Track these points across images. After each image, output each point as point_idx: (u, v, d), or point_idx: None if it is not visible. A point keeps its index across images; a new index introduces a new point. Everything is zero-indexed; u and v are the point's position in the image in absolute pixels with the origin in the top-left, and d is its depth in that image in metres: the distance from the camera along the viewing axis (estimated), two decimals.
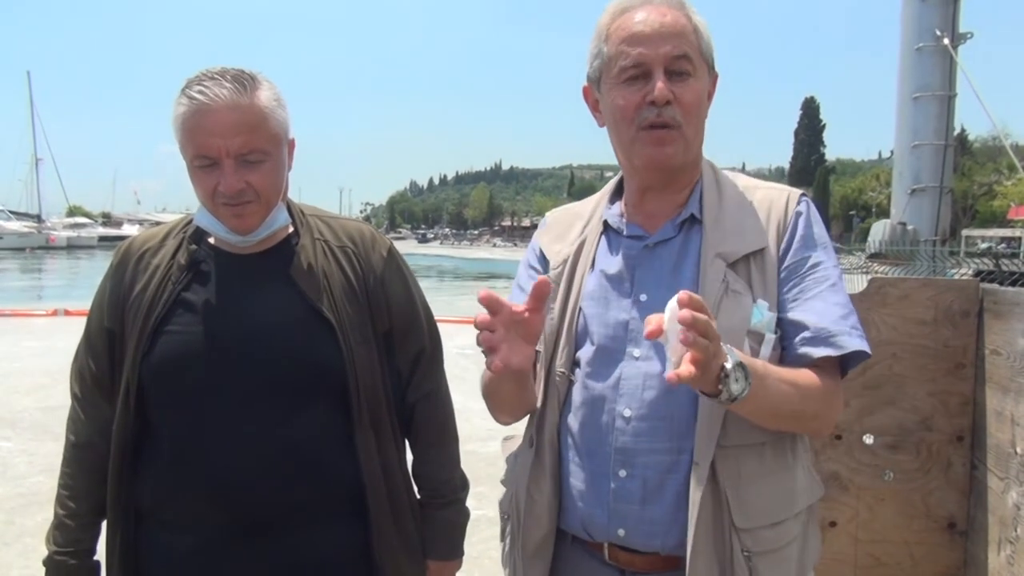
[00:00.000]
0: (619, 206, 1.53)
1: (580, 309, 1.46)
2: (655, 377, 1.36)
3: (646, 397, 1.35)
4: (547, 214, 1.69)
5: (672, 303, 1.13)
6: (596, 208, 1.57)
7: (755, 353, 1.32)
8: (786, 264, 1.39)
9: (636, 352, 1.38)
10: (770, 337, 1.34)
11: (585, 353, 1.44)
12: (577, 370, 1.45)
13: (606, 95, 1.43)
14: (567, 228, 1.58)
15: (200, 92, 1.44)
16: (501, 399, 1.51)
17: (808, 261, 1.38)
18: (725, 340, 1.28)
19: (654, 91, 1.34)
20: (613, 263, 1.47)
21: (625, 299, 1.43)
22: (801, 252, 1.39)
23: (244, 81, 1.47)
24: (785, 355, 1.37)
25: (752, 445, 1.33)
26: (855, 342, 1.32)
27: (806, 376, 1.32)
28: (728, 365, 1.17)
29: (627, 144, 1.42)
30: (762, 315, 1.34)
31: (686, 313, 1.09)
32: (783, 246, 1.39)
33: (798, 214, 1.42)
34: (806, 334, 1.34)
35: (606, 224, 1.52)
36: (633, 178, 1.49)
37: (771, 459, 1.36)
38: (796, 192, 1.46)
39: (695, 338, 1.08)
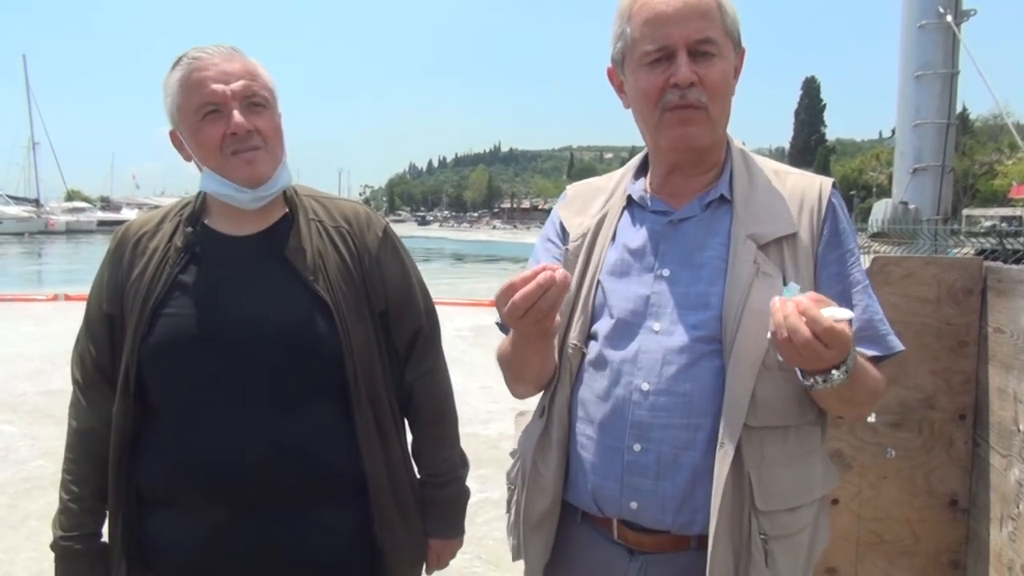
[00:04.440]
0: (644, 182, 1.52)
1: (599, 282, 1.45)
2: (675, 352, 1.35)
3: (665, 372, 1.34)
4: (568, 187, 1.68)
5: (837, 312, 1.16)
6: (619, 183, 1.56)
7: None
8: (826, 255, 1.39)
9: (656, 326, 1.37)
10: None
11: (603, 326, 1.43)
12: (593, 343, 1.44)
13: (630, 77, 1.41)
14: (588, 202, 1.57)
15: (195, 54, 1.51)
16: (528, 366, 1.47)
17: (851, 256, 1.40)
18: (756, 321, 1.29)
19: (678, 74, 1.33)
20: (636, 237, 1.46)
21: (647, 273, 1.42)
22: (842, 245, 1.40)
23: (231, 47, 1.55)
24: None
25: (777, 428, 1.33)
26: (898, 343, 1.38)
27: (874, 370, 1.35)
28: (835, 374, 1.21)
29: (653, 127, 1.41)
30: (792, 295, 1.33)
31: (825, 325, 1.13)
32: (819, 236, 1.39)
33: (832, 205, 1.42)
34: (857, 331, 1.34)
35: (630, 199, 1.51)
36: (660, 159, 1.48)
37: (794, 444, 1.36)
38: (828, 181, 1.45)
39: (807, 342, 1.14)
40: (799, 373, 1.26)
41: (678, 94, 1.34)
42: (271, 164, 1.54)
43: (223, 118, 1.48)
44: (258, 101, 1.52)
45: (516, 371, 1.50)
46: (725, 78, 1.37)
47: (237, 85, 1.49)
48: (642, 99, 1.39)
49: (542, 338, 1.37)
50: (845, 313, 1.16)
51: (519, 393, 1.56)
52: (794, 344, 1.14)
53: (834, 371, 1.20)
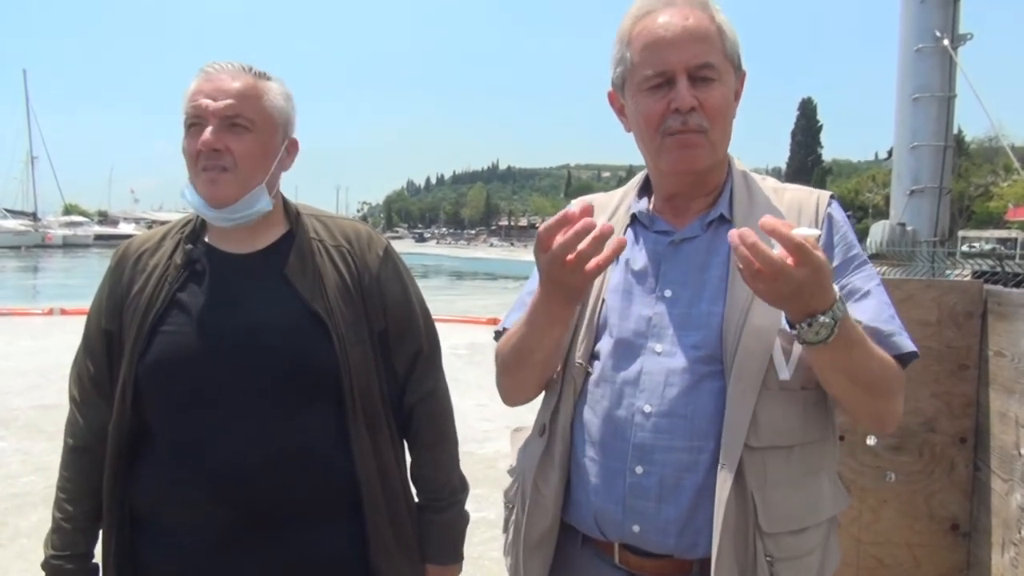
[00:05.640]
0: (647, 201, 1.51)
1: (603, 301, 1.44)
2: (677, 373, 1.34)
3: (667, 394, 1.33)
4: (572, 202, 1.67)
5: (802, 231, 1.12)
6: (622, 201, 1.55)
7: (787, 352, 1.30)
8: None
9: (658, 347, 1.36)
10: None
11: (605, 346, 1.42)
12: (596, 363, 1.42)
13: (631, 102, 1.41)
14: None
15: (207, 67, 1.53)
16: (540, 347, 1.40)
17: (855, 261, 1.38)
18: (757, 339, 1.27)
19: (678, 99, 1.32)
20: (639, 257, 1.45)
21: (649, 294, 1.41)
22: (843, 254, 1.38)
23: (254, 68, 1.54)
24: None
25: (780, 448, 1.31)
26: (908, 343, 1.32)
27: (885, 353, 1.29)
28: (822, 319, 1.15)
29: (654, 152, 1.40)
30: None
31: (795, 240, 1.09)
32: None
33: (830, 216, 1.41)
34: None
35: (633, 217, 1.50)
36: (661, 183, 1.48)
37: (799, 463, 1.34)
38: (826, 194, 1.45)
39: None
40: (786, 324, 1.22)
41: (679, 119, 1.33)
42: (236, 188, 1.51)
43: (202, 132, 1.49)
44: (240, 123, 1.49)
45: (523, 355, 1.42)
46: (725, 102, 1.37)
47: (220, 104, 1.48)
48: (643, 124, 1.39)
49: (573, 298, 1.30)
50: (812, 231, 1.12)
51: (515, 397, 1.53)
52: (762, 270, 1.10)
53: (820, 316, 1.15)
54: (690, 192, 1.45)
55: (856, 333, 1.23)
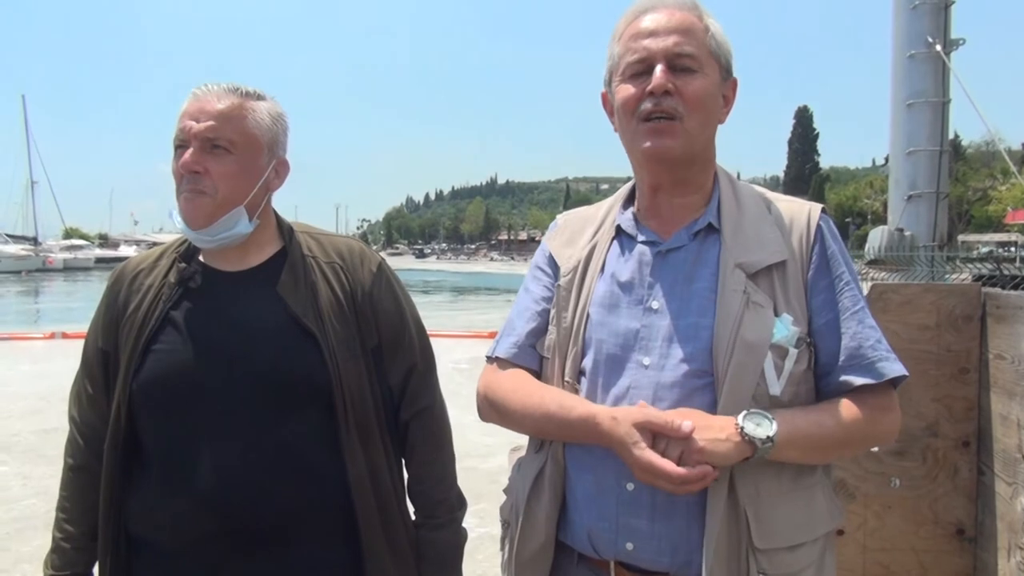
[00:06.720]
0: (632, 211, 1.51)
1: (588, 315, 1.43)
2: (666, 387, 1.32)
3: (656, 408, 1.31)
4: (558, 216, 1.68)
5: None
6: (608, 213, 1.55)
7: (779, 368, 1.30)
8: (816, 282, 1.37)
9: (646, 360, 1.35)
10: (793, 352, 1.31)
11: (592, 361, 1.40)
12: (584, 379, 1.41)
13: (614, 93, 1.43)
14: (578, 232, 1.56)
15: (197, 89, 1.54)
16: (545, 437, 1.46)
17: (840, 281, 1.37)
18: (748, 354, 1.27)
19: (652, 81, 1.35)
20: (625, 269, 1.44)
21: (636, 306, 1.40)
22: (832, 271, 1.38)
23: (243, 88, 1.55)
24: (824, 382, 1.36)
25: (770, 463, 1.29)
26: (894, 367, 1.33)
27: (846, 407, 1.31)
28: (739, 420, 1.23)
29: (630, 138, 1.41)
30: (786, 330, 1.31)
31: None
32: (808, 262, 1.37)
33: (821, 229, 1.40)
34: (845, 360, 1.33)
35: (619, 229, 1.50)
36: (642, 177, 1.48)
37: (790, 478, 1.33)
38: (817, 207, 1.44)
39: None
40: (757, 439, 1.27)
41: (653, 101, 1.35)
42: (212, 210, 1.51)
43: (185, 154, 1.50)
44: (220, 144, 1.50)
45: (539, 431, 1.46)
46: (705, 94, 1.37)
47: (202, 126, 1.49)
48: (621, 110, 1.41)
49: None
50: (686, 424, 1.23)
51: (495, 424, 1.54)
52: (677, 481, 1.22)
53: (739, 424, 1.24)
54: (671, 188, 1.44)
55: (789, 432, 1.26)
